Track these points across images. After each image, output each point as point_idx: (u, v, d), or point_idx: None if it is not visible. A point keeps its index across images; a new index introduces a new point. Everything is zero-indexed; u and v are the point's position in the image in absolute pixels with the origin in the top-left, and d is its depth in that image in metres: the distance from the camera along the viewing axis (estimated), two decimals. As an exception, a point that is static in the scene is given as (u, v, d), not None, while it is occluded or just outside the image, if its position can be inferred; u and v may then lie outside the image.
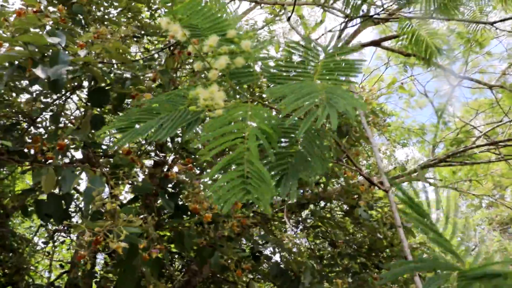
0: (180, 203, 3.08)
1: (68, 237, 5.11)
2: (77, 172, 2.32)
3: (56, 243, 5.43)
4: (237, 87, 1.30)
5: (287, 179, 1.19)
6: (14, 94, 3.33)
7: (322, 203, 5.15)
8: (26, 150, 3.08)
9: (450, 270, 0.85)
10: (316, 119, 0.92)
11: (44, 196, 2.87)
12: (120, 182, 2.31)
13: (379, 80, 9.60)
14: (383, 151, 10.20)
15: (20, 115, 3.31)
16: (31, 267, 5.44)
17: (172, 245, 5.30)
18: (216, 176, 0.99)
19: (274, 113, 1.34)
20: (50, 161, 2.45)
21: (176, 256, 6.07)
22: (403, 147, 11.32)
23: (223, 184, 0.95)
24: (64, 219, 2.80)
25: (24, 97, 3.50)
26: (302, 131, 0.97)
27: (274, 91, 1.17)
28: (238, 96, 1.31)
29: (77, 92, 3.31)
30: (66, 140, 2.42)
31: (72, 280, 4.67)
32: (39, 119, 3.32)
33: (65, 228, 4.18)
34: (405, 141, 11.40)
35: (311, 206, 5.21)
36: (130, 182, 2.41)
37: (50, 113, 3.05)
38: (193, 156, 3.25)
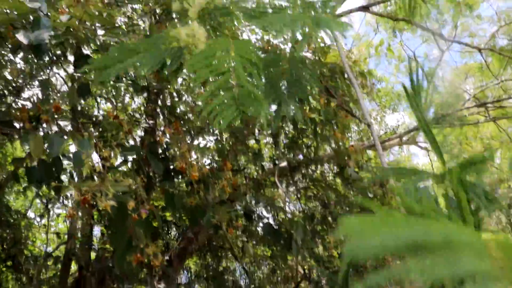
0: (171, 167, 3.13)
1: (64, 211, 5.17)
2: (65, 137, 2.34)
3: (51, 217, 5.49)
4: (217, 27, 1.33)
5: (286, 103, 1.23)
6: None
7: (314, 167, 5.22)
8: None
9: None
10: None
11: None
12: (108, 145, 2.34)
13: (368, 46, 9.58)
14: (374, 116, 10.27)
15: (6, 89, 3.31)
16: (28, 241, 5.51)
17: (168, 214, 5.38)
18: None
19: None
20: (42, 124, 2.48)
21: (172, 225, 6.17)
22: (393, 113, 11.35)
23: (216, 106, 0.99)
24: (59, 182, 2.84)
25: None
26: (300, 50, 1.01)
27: (261, 21, 1.20)
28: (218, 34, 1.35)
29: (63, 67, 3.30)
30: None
31: (70, 251, 4.75)
32: (26, 94, 3.34)
33: (58, 197, 4.21)
34: (395, 107, 11.41)
35: (303, 170, 5.28)
36: (117, 143, 2.44)
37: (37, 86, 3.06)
38: (181, 121, 3.28)
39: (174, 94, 4.00)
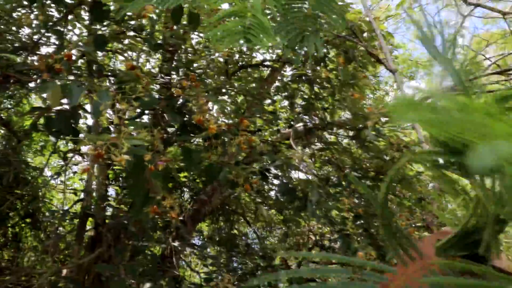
0: (188, 121, 3.10)
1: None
2: (83, 86, 2.31)
3: (68, 175, 5.55)
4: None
5: (308, 38, 1.19)
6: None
7: (329, 130, 5.16)
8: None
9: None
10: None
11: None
12: (126, 98, 2.30)
13: (387, 10, 9.35)
14: (390, 84, 10.11)
15: (21, 43, 3.28)
16: (46, 199, 5.59)
17: (181, 175, 5.39)
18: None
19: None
20: (59, 74, 2.44)
21: (185, 188, 6.20)
22: (410, 80, 11.18)
23: (223, 31, 0.95)
24: (76, 135, 2.83)
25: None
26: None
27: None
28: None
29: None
30: (73, 52, 2.39)
31: (86, 208, 4.81)
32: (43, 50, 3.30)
33: (75, 152, 4.22)
34: (413, 74, 11.23)
35: (318, 133, 5.23)
36: (135, 96, 2.40)
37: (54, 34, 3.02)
38: (197, 76, 3.23)
39: (190, 50, 3.94)
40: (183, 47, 3.82)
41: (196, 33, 4.30)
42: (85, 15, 3.23)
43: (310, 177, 4.11)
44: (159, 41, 3.62)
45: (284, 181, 3.82)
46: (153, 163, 2.31)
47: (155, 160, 2.34)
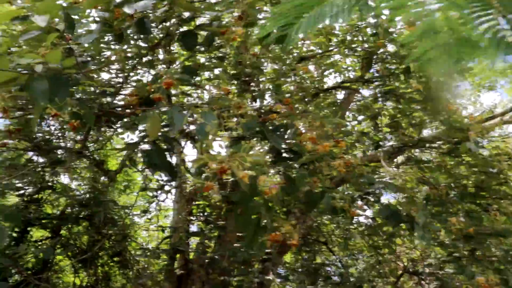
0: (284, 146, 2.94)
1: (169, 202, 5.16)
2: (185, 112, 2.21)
3: (155, 211, 5.55)
4: None
5: None
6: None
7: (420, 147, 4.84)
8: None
9: None
10: None
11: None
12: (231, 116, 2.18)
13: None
14: (467, 97, 9.59)
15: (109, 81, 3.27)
16: (133, 237, 5.60)
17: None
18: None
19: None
20: (155, 104, 2.37)
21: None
22: (489, 91, 10.56)
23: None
24: (171, 170, 2.75)
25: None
26: None
27: None
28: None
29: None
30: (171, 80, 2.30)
31: (175, 245, 4.74)
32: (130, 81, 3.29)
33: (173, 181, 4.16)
34: (492, 84, 10.60)
35: (407, 151, 4.93)
36: (236, 119, 2.28)
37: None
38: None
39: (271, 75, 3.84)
40: (265, 70, 3.72)
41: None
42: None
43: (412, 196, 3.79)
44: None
45: (386, 203, 3.54)
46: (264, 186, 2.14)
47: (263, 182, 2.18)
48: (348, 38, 4.96)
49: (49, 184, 5.09)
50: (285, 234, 2.26)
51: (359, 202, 3.06)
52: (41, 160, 4.80)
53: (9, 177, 3.88)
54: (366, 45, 4.75)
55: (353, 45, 4.96)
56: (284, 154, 3.10)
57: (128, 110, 2.96)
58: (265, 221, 2.34)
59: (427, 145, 4.62)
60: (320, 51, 5.04)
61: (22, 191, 4.94)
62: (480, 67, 9.85)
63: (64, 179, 5.73)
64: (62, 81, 2.16)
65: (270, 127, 3.02)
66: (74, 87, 2.41)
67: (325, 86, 5.32)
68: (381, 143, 4.76)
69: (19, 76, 2.06)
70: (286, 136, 2.87)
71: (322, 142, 2.44)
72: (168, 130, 2.40)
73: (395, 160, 5.03)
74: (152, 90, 2.38)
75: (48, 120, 4.00)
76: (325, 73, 5.34)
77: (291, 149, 2.98)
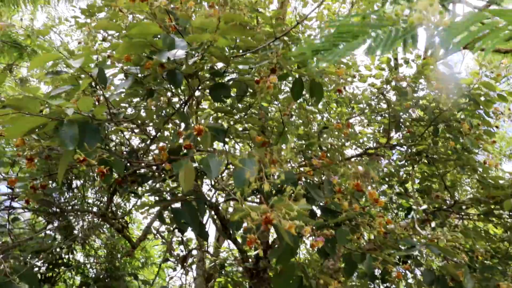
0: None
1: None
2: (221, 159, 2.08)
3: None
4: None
5: None
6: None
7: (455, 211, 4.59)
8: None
9: None
10: None
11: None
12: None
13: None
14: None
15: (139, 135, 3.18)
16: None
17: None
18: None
19: None
20: (186, 154, 2.25)
21: None
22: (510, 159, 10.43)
23: None
24: (202, 229, 2.58)
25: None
26: None
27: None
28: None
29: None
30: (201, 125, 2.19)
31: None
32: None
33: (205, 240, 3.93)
34: None
35: (441, 217, 4.67)
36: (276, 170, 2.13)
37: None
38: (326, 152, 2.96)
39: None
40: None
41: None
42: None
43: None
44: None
45: (429, 268, 3.26)
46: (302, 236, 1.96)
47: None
48: (372, 104, 4.91)
49: (64, 261, 4.90)
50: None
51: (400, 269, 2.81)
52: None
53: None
54: (391, 110, 4.68)
55: (378, 110, 4.91)
56: (320, 214, 2.92)
57: (154, 169, 2.85)
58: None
59: (464, 207, 4.39)
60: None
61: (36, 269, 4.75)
62: (500, 135, 9.74)
63: (80, 256, 5.55)
64: (92, 128, 2.07)
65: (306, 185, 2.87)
66: (104, 137, 2.31)
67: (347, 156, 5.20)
68: (413, 207, 4.54)
69: (48, 122, 1.98)
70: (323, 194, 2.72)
71: (367, 191, 2.26)
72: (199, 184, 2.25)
73: (428, 226, 4.77)
74: (183, 138, 2.27)
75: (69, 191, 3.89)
76: (347, 143, 5.24)
77: (327, 207, 2.80)
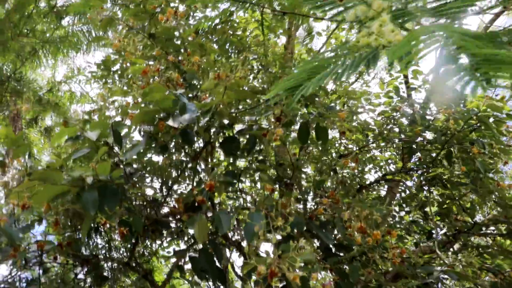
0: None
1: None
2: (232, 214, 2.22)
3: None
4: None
5: None
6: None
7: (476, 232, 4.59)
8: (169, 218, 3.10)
9: None
10: None
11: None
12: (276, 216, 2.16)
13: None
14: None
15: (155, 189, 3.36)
16: None
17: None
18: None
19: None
20: (200, 209, 2.40)
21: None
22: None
23: None
24: (221, 275, 2.69)
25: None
26: None
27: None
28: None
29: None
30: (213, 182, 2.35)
31: None
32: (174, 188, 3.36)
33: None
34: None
35: (462, 239, 4.68)
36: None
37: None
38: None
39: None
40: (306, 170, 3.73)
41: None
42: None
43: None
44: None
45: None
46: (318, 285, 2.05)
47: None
48: (385, 132, 4.99)
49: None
50: None
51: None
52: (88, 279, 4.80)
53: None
54: (403, 136, 4.75)
55: (390, 137, 4.98)
56: (334, 250, 3.00)
57: (172, 219, 3.00)
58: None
59: (484, 228, 4.39)
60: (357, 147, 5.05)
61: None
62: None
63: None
64: (111, 191, 2.24)
65: (318, 223, 2.97)
66: (123, 197, 2.49)
67: (367, 182, 5.25)
68: (433, 232, 4.57)
69: (71, 189, 2.16)
70: (334, 232, 2.81)
71: (371, 232, 2.35)
72: (215, 236, 2.39)
73: (450, 249, 4.77)
74: (196, 193, 2.42)
75: (95, 237, 4.06)
76: (366, 168, 5.30)
77: (340, 243, 2.89)
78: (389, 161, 5.67)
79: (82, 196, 2.15)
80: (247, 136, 2.89)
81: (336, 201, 2.83)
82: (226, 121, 2.82)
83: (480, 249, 4.59)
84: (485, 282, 3.32)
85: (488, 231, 4.50)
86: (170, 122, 2.45)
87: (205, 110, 2.56)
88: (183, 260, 2.93)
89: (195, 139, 2.88)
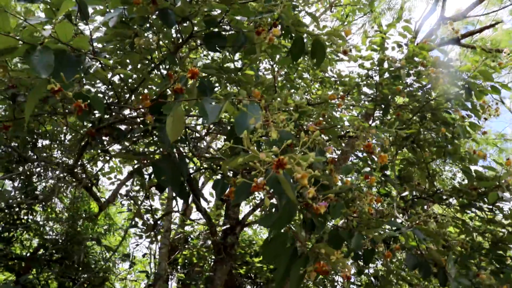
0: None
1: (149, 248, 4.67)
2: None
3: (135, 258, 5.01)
4: None
5: None
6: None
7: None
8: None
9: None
10: None
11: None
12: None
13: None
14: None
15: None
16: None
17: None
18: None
19: None
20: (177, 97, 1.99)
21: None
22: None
23: None
24: (183, 189, 2.33)
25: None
26: None
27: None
28: None
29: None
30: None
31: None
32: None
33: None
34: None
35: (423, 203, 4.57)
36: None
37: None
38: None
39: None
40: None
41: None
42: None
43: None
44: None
45: (413, 252, 3.13)
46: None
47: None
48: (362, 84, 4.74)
49: (23, 221, 4.57)
50: (335, 264, 1.81)
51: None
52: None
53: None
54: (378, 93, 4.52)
55: (364, 92, 4.73)
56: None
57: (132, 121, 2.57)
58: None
59: (444, 197, 4.29)
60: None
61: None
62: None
63: (40, 218, 5.22)
64: (71, 59, 1.79)
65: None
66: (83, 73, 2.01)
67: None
68: (393, 193, 4.42)
69: (19, 46, 1.68)
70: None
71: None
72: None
73: (405, 214, 4.68)
74: (173, 81, 2.01)
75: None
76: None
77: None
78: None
79: (33, 56, 1.68)
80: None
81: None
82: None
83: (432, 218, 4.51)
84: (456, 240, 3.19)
85: (448, 202, 4.41)
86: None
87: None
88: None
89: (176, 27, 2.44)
